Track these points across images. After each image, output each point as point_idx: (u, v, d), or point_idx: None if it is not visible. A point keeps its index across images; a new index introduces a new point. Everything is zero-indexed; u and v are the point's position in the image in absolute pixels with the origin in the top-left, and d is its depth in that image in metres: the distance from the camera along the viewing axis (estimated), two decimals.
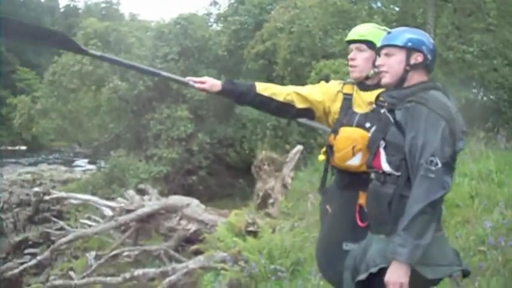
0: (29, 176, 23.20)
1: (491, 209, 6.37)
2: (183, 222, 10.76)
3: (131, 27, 24.49)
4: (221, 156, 19.72)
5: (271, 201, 10.36)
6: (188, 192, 16.16)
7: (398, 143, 3.01)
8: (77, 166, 33.14)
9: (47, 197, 15.31)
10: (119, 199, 12.31)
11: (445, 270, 3.05)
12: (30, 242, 16.48)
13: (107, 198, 14.37)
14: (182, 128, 17.70)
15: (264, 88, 3.80)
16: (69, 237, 11.25)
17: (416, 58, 3.13)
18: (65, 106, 22.23)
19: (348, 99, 3.73)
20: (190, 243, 10.32)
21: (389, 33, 3.26)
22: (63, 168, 27.46)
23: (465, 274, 3.25)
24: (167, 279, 8.39)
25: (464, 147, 3.13)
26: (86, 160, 35.68)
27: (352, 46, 3.70)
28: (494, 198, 6.68)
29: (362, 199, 3.50)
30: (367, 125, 3.49)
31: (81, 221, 13.35)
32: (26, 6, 71.39)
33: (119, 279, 9.15)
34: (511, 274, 4.56)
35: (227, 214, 10.11)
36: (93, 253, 11.13)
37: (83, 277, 10.03)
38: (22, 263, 13.02)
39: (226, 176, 19.47)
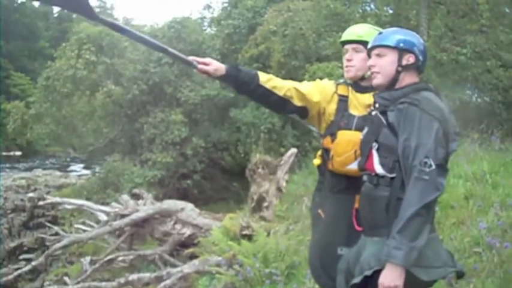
0: (23, 182, 23.17)
1: (486, 210, 6.37)
2: (178, 226, 10.76)
3: None
4: (216, 160, 19.71)
5: (265, 204, 10.35)
6: (183, 196, 16.15)
7: (391, 145, 3.00)
8: (72, 171, 33.11)
9: (41, 203, 15.25)
10: (114, 204, 12.29)
11: (439, 272, 3.03)
12: (25, 248, 16.45)
13: (102, 203, 14.36)
14: (176, 132, 17.67)
15: (267, 79, 3.72)
16: (64, 242, 11.22)
17: (408, 59, 3.13)
18: (59, 111, 22.19)
19: (343, 101, 3.69)
20: (185, 247, 10.32)
21: (380, 33, 3.25)
22: (58, 173, 27.44)
23: (459, 275, 3.25)
24: (162, 284, 8.37)
25: (459, 149, 3.13)
26: (82, 165, 35.67)
27: (348, 46, 3.68)
28: (489, 200, 6.68)
29: (358, 203, 3.47)
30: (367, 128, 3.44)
31: (76, 226, 13.33)
32: (20, 12, 71.41)
33: (114, 284, 9.14)
34: (506, 275, 4.55)
35: (222, 218, 10.11)
36: (88, 258, 11.11)
37: (78, 282, 10.01)
38: (17, 269, 12.99)
39: (221, 180, 19.47)
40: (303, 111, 3.79)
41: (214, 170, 19.85)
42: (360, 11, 17.38)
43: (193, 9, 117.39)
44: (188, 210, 10.90)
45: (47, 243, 12.46)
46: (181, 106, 18.49)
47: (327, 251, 3.64)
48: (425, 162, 2.82)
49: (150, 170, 17.64)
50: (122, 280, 9.04)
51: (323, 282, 3.82)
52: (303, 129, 16.83)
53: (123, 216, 11.18)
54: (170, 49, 3.98)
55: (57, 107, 22.04)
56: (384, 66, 3.15)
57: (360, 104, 3.61)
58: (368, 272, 3.00)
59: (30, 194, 19.39)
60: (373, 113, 3.21)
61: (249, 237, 8.39)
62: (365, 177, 3.19)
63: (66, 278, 10.94)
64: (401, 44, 3.12)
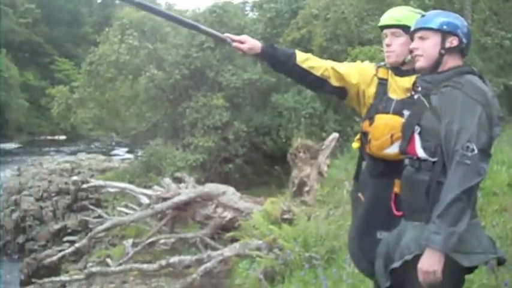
0: (67, 165, 23.44)
1: None
2: (219, 210, 10.79)
3: None
4: (257, 144, 19.67)
5: (306, 189, 10.34)
6: (225, 180, 16.18)
7: (434, 129, 2.96)
8: (115, 155, 33.42)
9: (85, 186, 15.44)
10: (156, 187, 12.37)
11: (480, 258, 2.99)
12: (69, 230, 16.75)
13: (144, 187, 14.46)
14: (218, 117, 17.70)
15: (304, 59, 3.71)
16: (107, 224, 11.35)
17: (452, 42, 3.08)
18: (102, 96, 22.37)
19: (383, 84, 3.64)
20: (226, 230, 10.36)
21: (423, 16, 3.20)
22: (101, 157, 27.70)
23: (500, 262, 3.20)
24: (203, 267, 8.44)
25: (503, 135, 3.09)
26: (125, 149, 35.99)
27: (387, 31, 3.61)
28: None
29: (397, 187, 3.43)
30: (405, 112, 3.38)
31: (119, 209, 13.47)
32: None
33: (155, 266, 9.23)
34: None
35: (263, 202, 10.13)
36: (130, 241, 11.22)
37: (120, 264, 10.13)
38: (61, 251, 13.18)
39: (262, 164, 19.44)
40: (341, 92, 3.77)
41: (255, 155, 19.83)
42: None
43: None
44: (229, 194, 10.93)
45: (90, 226, 12.65)
46: (223, 90, 18.51)
47: (366, 235, 3.61)
48: (468, 147, 2.78)
49: (192, 154, 17.71)
50: (163, 262, 9.12)
51: (362, 267, 3.81)
52: (344, 114, 16.76)
53: (165, 199, 11.24)
54: (202, 26, 4.00)
55: (100, 91, 22.23)
56: (427, 49, 3.10)
57: (399, 87, 3.56)
58: (408, 257, 2.98)
59: (74, 177, 19.68)
60: (416, 96, 3.18)
61: (290, 222, 8.40)
62: (406, 161, 3.16)
63: (108, 260, 11.06)
64: (445, 27, 3.07)
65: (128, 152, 33.39)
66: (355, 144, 3.76)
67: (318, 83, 3.74)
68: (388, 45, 3.61)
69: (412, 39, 3.22)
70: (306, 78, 3.74)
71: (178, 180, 13.04)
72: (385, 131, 3.46)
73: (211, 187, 11.42)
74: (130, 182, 16.14)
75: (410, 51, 3.32)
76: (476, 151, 2.78)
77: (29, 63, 61.63)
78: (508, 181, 7.19)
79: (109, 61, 20.95)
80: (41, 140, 50.86)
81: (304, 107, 17.18)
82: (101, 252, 12.55)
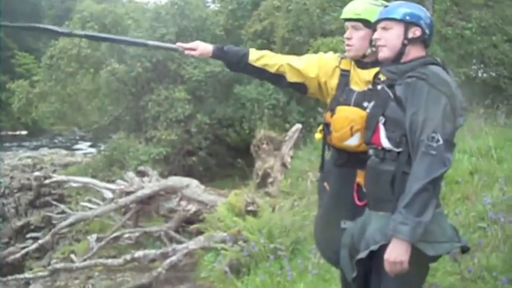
0: (29, 161, 23.20)
1: (490, 186, 6.38)
2: (183, 203, 10.75)
3: (128, 9, 24.32)
4: (221, 136, 19.62)
5: (270, 180, 10.37)
6: (188, 173, 16.12)
7: (399, 119, 3.00)
8: (78, 150, 33.14)
9: (47, 181, 15.30)
10: (119, 181, 12.28)
11: (445, 247, 3.04)
12: (32, 226, 16.50)
13: (107, 181, 14.36)
14: (180, 110, 17.60)
15: (257, 58, 3.77)
16: (70, 220, 11.25)
17: (414, 32, 3.11)
18: (63, 90, 22.15)
19: (345, 76, 3.68)
20: (190, 223, 10.32)
21: (386, 6, 3.22)
22: (63, 152, 27.45)
23: (464, 250, 3.25)
24: (168, 260, 8.41)
25: (464, 124, 3.11)
26: (88, 143, 35.70)
27: (348, 24, 3.64)
28: (494, 175, 6.69)
29: (360, 177, 3.49)
30: (365, 104, 3.43)
31: (82, 204, 13.36)
32: None
33: (120, 261, 9.17)
34: (511, 250, 4.54)
35: (227, 194, 10.10)
36: (94, 236, 11.13)
37: (84, 260, 10.04)
38: (24, 247, 13.02)
39: (226, 156, 19.39)
40: (301, 87, 3.83)
41: (219, 147, 19.79)
42: None
43: None
44: (193, 186, 10.89)
45: (54, 222, 12.51)
46: (185, 83, 18.41)
47: (331, 225, 3.66)
48: (433, 137, 2.82)
49: (155, 147, 17.62)
50: (128, 257, 9.06)
51: (328, 256, 3.86)
52: (307, 105, 16.79)
53: (128, 193, 11.18)
54: (150, 42, 4.33)
55: (61, 85, 22.00)
56: (390, 39, 3.13)
57: (361, 79, 3.59)
58: (374, 247, 3.00)
59: (36, 173, 19.42)
60: (380, 86, 3.20)
61: (254, 213, 8.40)
62: (371, 151, 3.19)
63: (72, 256, 10.97)
64: (408, 17, 3.10)
65: (91, 146, 33.10)
66: (318, 135, 3.80)
67: (274, 79, 3.85)
68: (348, 39, 3.65)
69: (375, 30, 3.23)
70: (261, 75, 3.85)
71: (141, 174, 12.96)
72: (345, 123, 3.49)
73: (175, 180, 11.36)
74: (93, 177, 16.01)
75: (372, 44, 3.35)
76: (441, 141, 2.81)
77: None
78: (469, 169, 7.29)
79: (70, 55, 20.74)
80: (2, 135, 50.17)
81: (267, 99, 17.18)
82: (65, 248, 12.40)
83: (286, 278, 5.81)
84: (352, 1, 3.70)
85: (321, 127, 3.75)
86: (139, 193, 10.89)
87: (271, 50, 17.57)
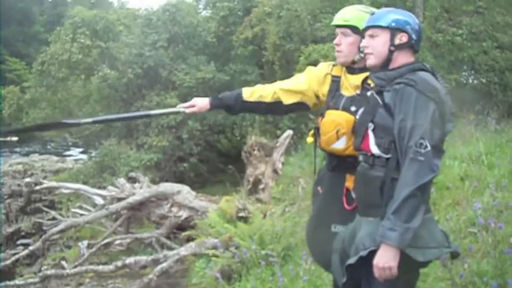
0: (20, 167, 23.10)
1: (481, 191, 6.39)
2: (174, 209, 10.74)
3: (119, 15, 24.39)
4: (212, 143, 19.68)
5: (261, 186, 10.36)
6: (179, 179, 16.15)
7: (387, 125, 3.00)
8: (69, 156, 33.04)
9: (38, 187, 15.23)
10: (110, 187, 12.25)
11: (434, 253, 3.03)
12: (22, 233, 16.46)
13: (99, 187, 14.34)
14: (171, 116, 17.65)
15: (250, 94, 3.84)
16: (61, 226, 11.21)
17: (401, 38, 3.11)
18: (54, 95, 22.16)
19: (336, 82, 3.72)
20: (181, 230, 10.31)
21: (373, 14, 3.24)
22: (54, 158, 27.36)
23: (454, 256, 3.25)
24: (159, 267, 8.38)
25: (454, 130, 3.13)
26: (79, 150, 35.59)
27: (337, 30, 3.68)
28: (485, 180, 6.71)
29: (349, 182, 3.52)
30: (353, 108, 3.47)
31: (73, 210, 13.31)
32: None
33: (111, 267, 9.13)
34: (501, 256, 4.56)
35: (218, 200, 10.10)
36: (85, 242, 11.11)
37: (75, 266, 10.01)
38: (15, 254, 12.98)
39: (217, 163, 19.45)
40: (301, 106, 3.89)
41: (210, 153, 19.85)
42: None
43: None
44: (184, 193, 10.88)
45: (44, 228, 12.45)
46: (176, 89, 18.47)
47: (322, 228, 3.68)
48: (421, 143, 2.82)
49: (146, 153, 17.65)
50: (119, 263, 9.03)
51: (318, 259, 3.90)
52: (301, 112, 16.81)
53: (119, 199, 11.16)
54: (153, 112, 4.39)
55: (52, 91, 22.02)
56: (377, 46, 3.14)
57: (351, 85, 3.63)
58: (363, 253, 3.00)
59: (27, 179, 19.34)
60: (369, 93, 3.21)
61: (245, 220, 8.40)
62: (361, 157, 3.20)
63: (63, 262, 10.95)
64: (393, 24, 3.10)
65: (82, 152, 33.01)
66: (309, 139, 3.83)
67: (272, 108, 3.89)
68: (337, 45, 3.68)
69: (363, 38, 3.25)
70: (259, 108, 3.90)
71: (132, 180, 12.95)
72: (331, 126, 3.53)
73: (166, 186, 11.35)
74: (84, 183, 16.00)
75: (360, 51, 3.37)
76: (429, 148, 2.82)
77: None
78: (460, 175, 7.31)
79: (61, 60, 20.77)
80: None
81: None
82: (55, 255, 12.38)
83: (278, 284, 5.80)
84: (342, 9, 3.74)
85: (312, 131, 3.77)
86: (131, 199, 10.87)
87: (263, 56, 17.68)
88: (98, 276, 9.55)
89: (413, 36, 3.13)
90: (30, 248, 12.10)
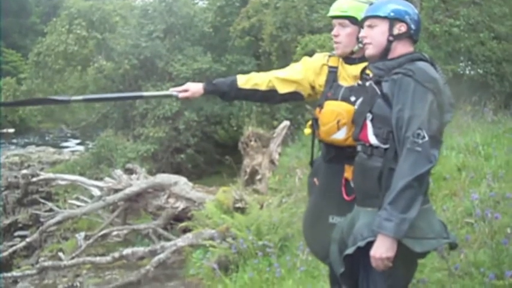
0: (17, 159, 23.07)
1: (478, 182, 6.40)
2: (171, 200, 10.73)
3: (116, 5, 24.31)
4: (209, 133, 19.66)
5: (258, 177, 10.37)
6: (176, 170, 16.14)
7: (385, 116, 2.99)
8: (66, 147, 32.99)
9: (35, 179, 15.21)
10: (107, 179, 12.23)
11: (432, 243, 3.03)
12: (19, 225, 16.42)
13: (95, 179, 14.33)
14: (168, 107, 17.62)
15: (246, 81, 3.82)
16: (58, 218, 11.20)
17: (400, 28, 3.10)
18: (50, 87, 22.08)
19: (333, 72, 3.71)
20: (178, 221, 10.30)
21: (371, 4, 3.22)
22: (51, 149, 27.33)
23: (452, 247, 3.26)
24: (156, 258, 8.40)
25: (452, 121, 3.12)
26: (76, 141, 35.54)
27: (335, 21, 3.66)
28: (482, 171, 6.71)
29: (348, 173, 3.52)
30: (352, 98, 3.46)
31: (70, 201, 13.29)
32: None
33: (109, 258, 9.14)
34: (498, 246, 4.56)
35: (215, 191, 10.10)
36: (82, 234, 11.09)
37: (73, 257, 10.00)
38: (12, 246, 12.97)
39: (214, 154, 19.44)
40: (296, 95, 3.87)
41: (207, 144, 19.82)
42: None
43: None
44: (181, 184, 10.87)
45: (41, 220, 12.44)
46: (173, 80, 18.39)
47: (319, 220, 3.68)
48: (418, 134, 2.81)
49: (143, 144, 17.62)
50: (116, 254, 9.04)
51: (315, 250, 3.90)
52: (295, 102, 16.80)
53: (116, 191, 11.15)
54: (145, 93, 4.51)
55: (48, 82, 21.95)
56: (375, 36, 3.13)
57: (349, 75, 3.63)
58: (361, 243, 3.00)
59: (24, 171, 19.30)
60: (367, 83, 3.21)
61: (242, 210, 8.40)
62: (359, 148, 3.19)
63: (60, 254, 10.92)
64: (392, 13, 3.09)
65: (79, 144, 32.95)
66: (307, 131, 3.83)
67: (267, 96, 3.87)
68: (335, 36, 3.67)
69: (362, 28, 3.24)
70: (254, 96, 3.89)
71: (129, 172, 12.93)
72: (331, 117, 3.53)
73: (163, 177, 11.34)
74: (81, 174, 15.98)
75: (359, 41, 3.36)
76: (427, 138, 2.81)
77: None
78: (457, 166, 7.31)
79: (57, 52, 20.70)
80: None
81: None
82: (53, 246, 12.35)
83: (275, 275, 5.82)
84: (338, 0, 3.71)
85: (310, 122, 3.76)
86: (127, 190, 10.86)
87: (259, 47, 17.64)
88: (95, 268, 9.55)
89: (412, 26, 3.12)
90: (27, 239, 12.10)
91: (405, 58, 3.07)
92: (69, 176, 14.22)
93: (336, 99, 3.57)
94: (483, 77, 16.96)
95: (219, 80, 3.93)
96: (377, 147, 3.05)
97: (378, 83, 3.09)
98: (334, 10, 3.65)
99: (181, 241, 8.56)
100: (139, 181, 11.37)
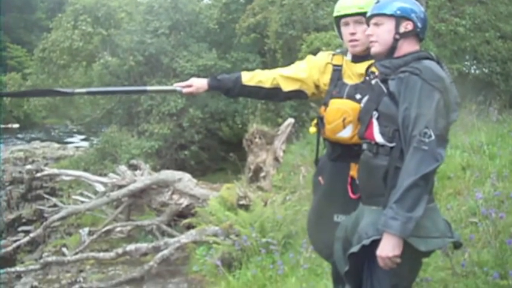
0: (21, 154, 23.09)
1: (482, 181, 6.40)
2: (175, 196, 10.75)
3: (121, 2, 24.27)
4: (213, 130, 19.64)
5: (262, 174, 10.36)
6: (180, 167, 16.12)
7: (392, 114, 2.98)
8: (70, 143, 33.00)
9: (39, 174, 15.23)
10: (111, 175, 12.24)
11: (437, 242, 3.03)
12: (23, 220, 16.48)
13: (100, 174, 14.32)
14: (173, 103, 17.60)
15: (250, 78, 3.81)
16: (62, 213, 11.23)
17: (406, 26, 3.09)
18: (55, 83, 22.01)
19: (337, 71, 3.70)
20: (182, 217, 10.32)
21: (377, 2, 3.21)
22: (56, 145, 27.33)
23: (456, 246, 3.25)
24: (160, 254, 8.41)
25: (457, 119, 3.11)
26: (80, 137, 35.57)
27: (349, 19, 3.61)
28: (486, 170, 6.70)
29: (353, 171, 3.51)
30: (358, 96, 3.46)
31: (74, 197, 13.31)
32: None
33: (112, 254, 9.17)
34: (502, 246, 4.56)
35: (219, 188, 10.11)
36: (86, 229, 11.12)
37: (76, 253, 10.02)
38: (16, 241, 13.00)
39: (218, 150, 19.42)
40: (300, 94, 3.86)
41: (211, 141, 19.81)
42: None
43: None
44: (185, 180, 10.88)
45: (45, 215, 12.46)
46: (177, 77, 18.35)
47: (323, 218, 3.68)
48: (425, 133, 2.81)
49: (147, 140, 17.61)
50: (120, 250, 9.06)
51: (319, 248, 3.89)
52: (300, 100, 16.79)
53: (120, 187, 11.17)
54: (149, 88, 4.60)
55: (53, 78, 21.91)
56: (381, 34, 3.12)
57: (354, 73, 3.62)
58: (366, 241, 3.00)
59: (28, 166, 19.36)
60: (373, 81, 3.20)
61: (246, 207, 8.41)
62: (364, 146, 3.19)
63: (64, 249, 10.95)
64: (398, 12, 3.08)
65: (83, 139, 32.96)
66: (312, 129, 3.81)
67: (271, 94, 3.86)
68: (352, 34, 3.61)
69: (368, 26, 3.23)
70: (258, 93, 3.87)
71: (133, 168, 12.95)
72: (337, 115, 3.52)
73: (167, 174, 11.35)
74: (85, 170, 15.96)
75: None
76: (433, 137, 2.80)
77: None
78: (461, 165, 7.30)
79: (62, 47, 20.65)
80: None
81: None
82: (56, 242, 12.37)
83: (278, 272, 5.83)
84: None
85: (315, 121, 3.76)
86: (132, 187, 10.88)
87: (265, 44, 17.61)
88: (98, 263, 9.57)
89: (419, 25, 3.11)
90: (31, 234, 12.12)
91: (412, 56, 3.06)
92: (73, 172, 14.22)
93: (341, 97, 3.57)
94: (488, 76, 16.95)
95: (223, 76, 3.92)
96: (383, 145, 3.05)
97: (385, 81, 3.08)
98: (351, 7, 3.60)
99: (184, 238, 8.57)
100: (144, 177, 11.38)
